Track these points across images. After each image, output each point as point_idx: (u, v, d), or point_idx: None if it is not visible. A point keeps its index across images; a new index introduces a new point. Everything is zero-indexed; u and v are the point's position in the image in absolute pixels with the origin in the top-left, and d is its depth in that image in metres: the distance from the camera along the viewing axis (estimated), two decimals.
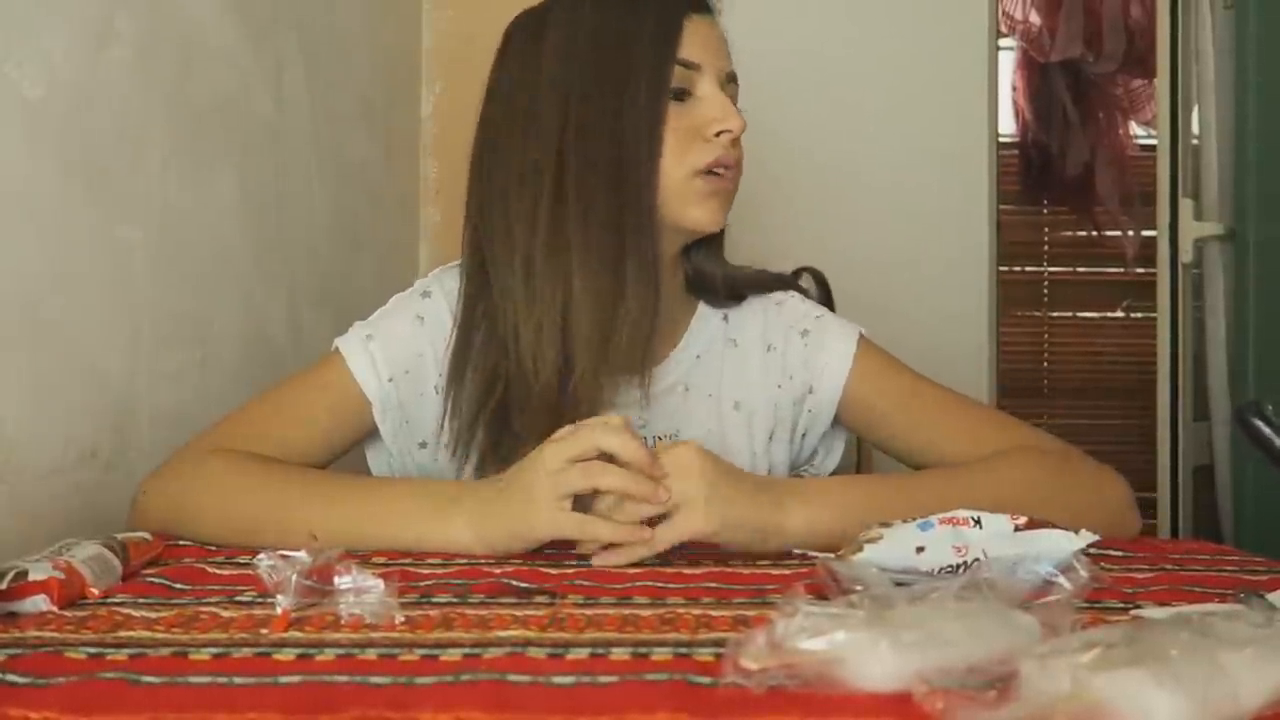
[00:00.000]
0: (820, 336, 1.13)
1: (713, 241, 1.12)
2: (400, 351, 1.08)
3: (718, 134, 1.03)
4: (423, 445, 1.10)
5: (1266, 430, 0.88)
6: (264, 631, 0.70)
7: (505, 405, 1.03)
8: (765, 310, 1.16)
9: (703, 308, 1.15)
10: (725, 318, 1.15)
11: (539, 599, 0.78)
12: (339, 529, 0.92)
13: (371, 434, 1.10)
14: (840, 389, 1.11)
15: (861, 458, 2.34)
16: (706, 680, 0.59)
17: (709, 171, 1.03)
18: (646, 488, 0.87)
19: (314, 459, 1.06)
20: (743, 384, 1.13)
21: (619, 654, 0.65)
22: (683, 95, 1.03)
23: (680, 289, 1.12)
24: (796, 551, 0.91)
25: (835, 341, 1.13)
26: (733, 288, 1.14)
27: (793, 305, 1.16)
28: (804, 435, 1.15)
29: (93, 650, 0.66)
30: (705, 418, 1.11)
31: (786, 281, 1.19)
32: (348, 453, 1.11)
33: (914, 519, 0.82)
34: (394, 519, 0.94)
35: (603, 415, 0.93)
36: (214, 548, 0.95)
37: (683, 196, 1.03)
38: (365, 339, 1.08)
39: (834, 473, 1.18)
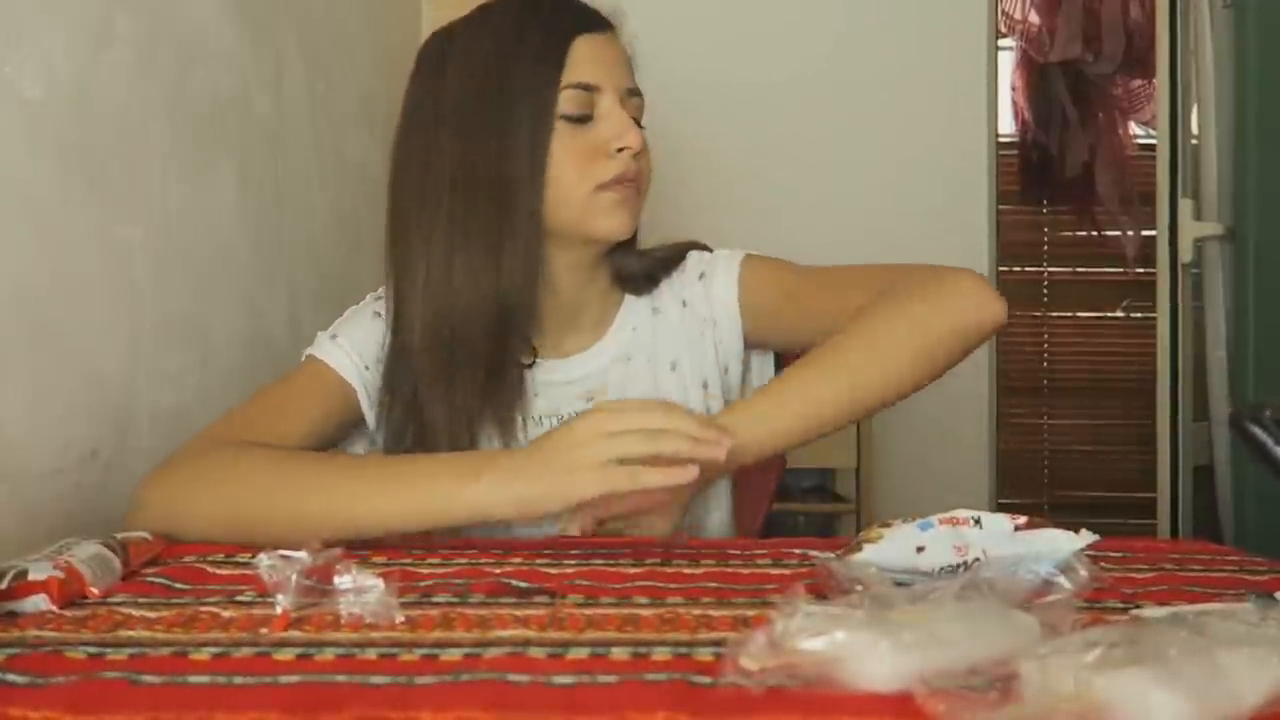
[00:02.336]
0: (712, 271, 1.18)
1: (630, 241, 1.16)
2: (367, 342, 1.13)
3: (619, 150, 1.07)
4: None
5: (1264, 436, 0.86)
6: (264, 631, 0.70)
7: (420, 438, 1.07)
8: (674, 276, 1.20)
9: (629, 297, 1.19)
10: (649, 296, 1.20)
11: (539, 599, 0.78)
12: (361, 508, 0.92)
13: (354, 429, 1.13)
14: (735, 305, 1.16)
15: (861, 455, 2.34)
16: (706, 680, 0.59)
17: (613, 183, 1.07)
18: (705, 445, 0.89)
19: (310, 450, 1.08)
20: (673, 346, 1.17)
21: (619, 654, 0.65)
22: (585, 119, 1.07)
23: (607, 285, 1.18)
24: (797, 552, 0.91)
25: (723, 269, 1.17)
26: (652, 274, 1.18)
27: (693, 260, 1.20)
28: (726, 371, 1.18)
29: (93, 650, 0.66)
30: (646, 383, 1.16)
31: (690, 246, 1.22)
32: (337, 444, 1.14)
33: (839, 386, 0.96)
34: (419, 486, 0.92)
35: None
36: (219, 543, 0.95)
37: (590, 210, 1.07)
38: (331, 338, 1.14)
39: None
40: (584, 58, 1.07)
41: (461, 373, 1.07)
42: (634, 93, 1.11)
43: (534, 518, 0.91)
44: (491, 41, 1.09)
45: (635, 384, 1.15)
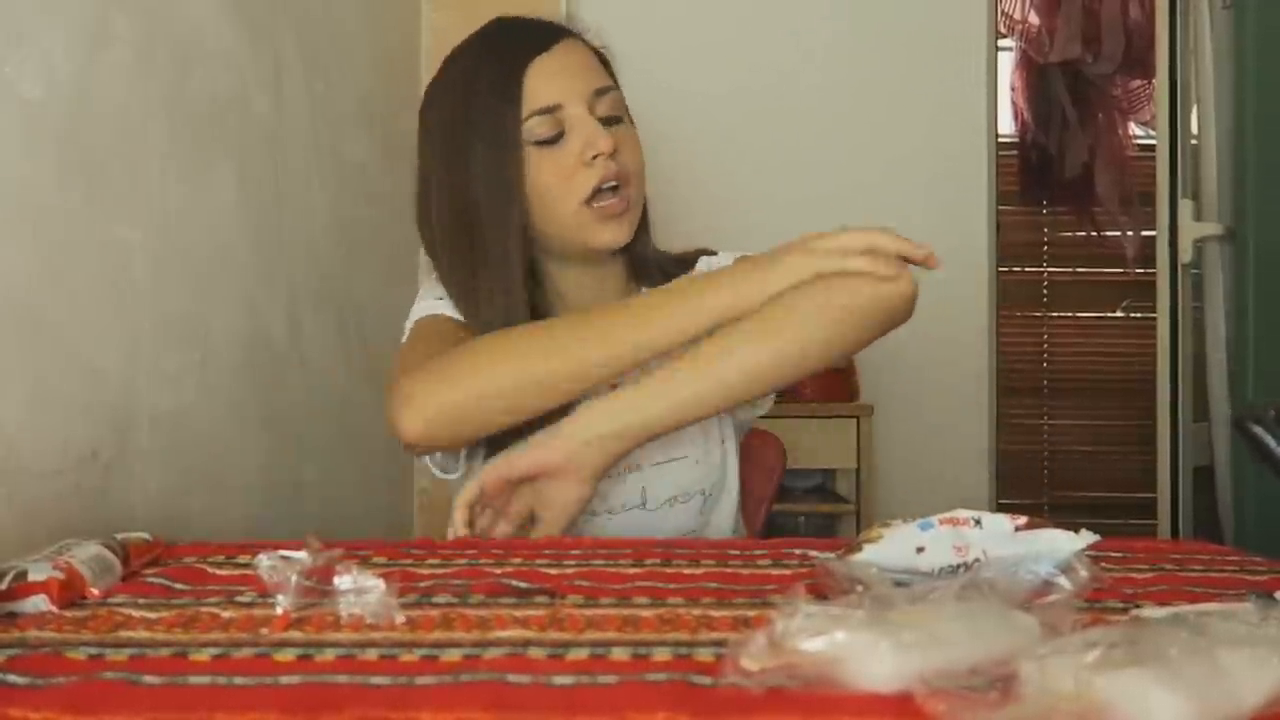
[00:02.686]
0: (711, 268, 1.21)
1: (642, 234, 1.19)
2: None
3: (593, 158, 1.10)
4: None
5: (1266, 437, 0.85)
6: (264, 632, 0.70)
7: None
8: (690, 269, 1.23)
9: (644, 290, 1.21)
10: None
11: (539, 599, 0.78)
12: (642, 335, 1.00)
13: None
14: None
15: (861, 455, 2.34)
16: (706, 681, 0.59)
17: (599, 191, 1.11)
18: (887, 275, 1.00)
19: None
20: None
21: (619, 654, 0.65)
22: (557, 138, 1.11)
23: (621, 285, 1.22)
24: (797, 552, 0.91)
25: (720, 264, 1.21)
26: (665, 270, 1.21)
27: (702, 263, 1.24)
28: None
29: (93, 651, 0.66)
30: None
31: (702, 252, 1.27)
32: None
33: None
34: (676, 300, 1.02)
35: None
36: (516, 413, 1.01)
37: (582, 227, 1.12)
38: (436, 299, 1.17)
39: None
40: (540, 78, 1.10)
41: None
42: (602, 91, 1.13)
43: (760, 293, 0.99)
44: (456, 88, 1.14)
45: (649, 371, 1.16)
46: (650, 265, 1.21)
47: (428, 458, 1.16)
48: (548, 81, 1.10)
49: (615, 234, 1.13)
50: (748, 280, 1.01)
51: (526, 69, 1.10)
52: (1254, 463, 0.87)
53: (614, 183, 1.11)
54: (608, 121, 1.12)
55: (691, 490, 1.17)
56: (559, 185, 1.10)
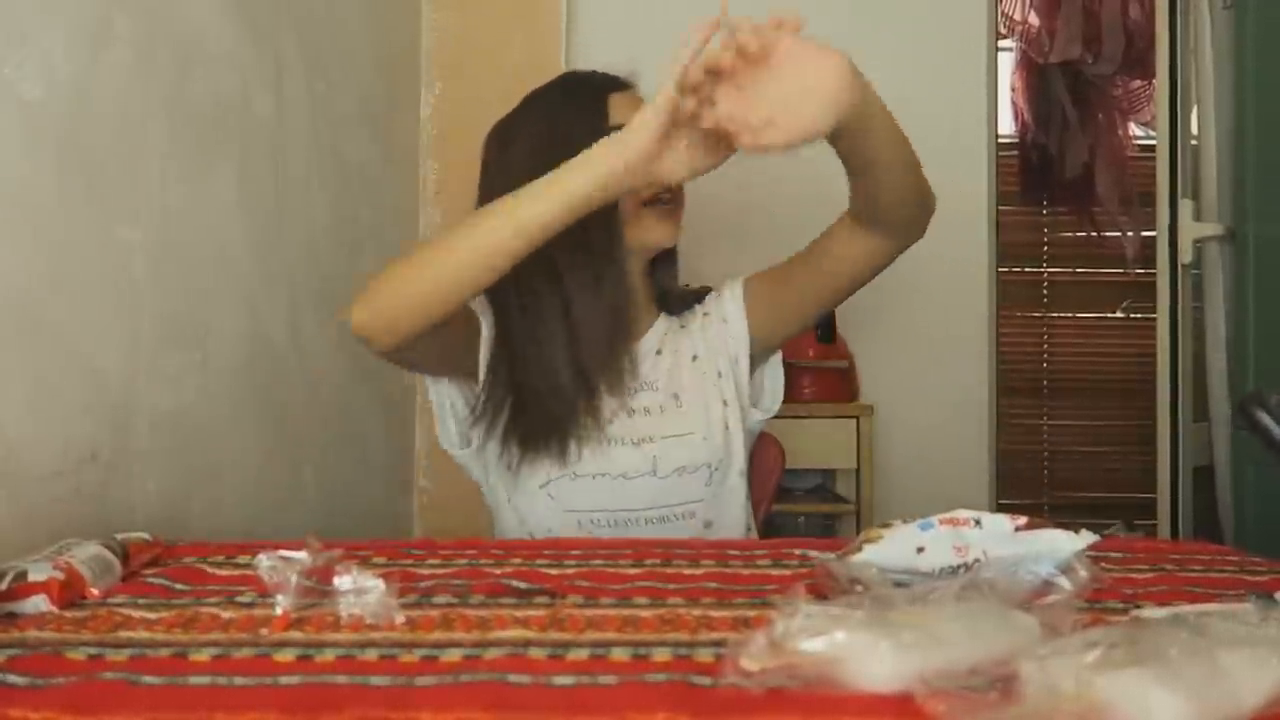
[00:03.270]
0: (720, 289, 1.43)
1: (671, 263, 1.41)
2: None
3: None
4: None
5: (1270, 423, 0.85)
6: (264, 632, 0.70)
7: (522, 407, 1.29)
8: (700, 302, 1.45)
9: (662, 314, 1.42)
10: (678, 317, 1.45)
11: (539, 599, 0.78)
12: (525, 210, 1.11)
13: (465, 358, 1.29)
14: (741, 302, 1.39)
15: (861, 455, 2.35)
16: (706, 681, 0.59)
17: (654, 200, 1.30)
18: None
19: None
20: (695, 345, 1.40)
21: (619, 654, 0.65)
22: None
23: (645, 302, 1.40)
24: (797, 552, 0.91)
25: (729, 284, 1.42)
26: (685, 299, 1.43)
27: (712, 293, 1.44)
28: (736, 362, 1.39)
29: (93, 651, 0.66)
30: (673, 368, 1.37)
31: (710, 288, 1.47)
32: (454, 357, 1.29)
33: None
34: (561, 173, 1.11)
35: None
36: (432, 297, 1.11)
37: (640, 225, 1.31)
38: None
39: None
40: (617, 108, 1.31)
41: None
42: None
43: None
44: (540, 118, 1.33)
45: (662, 372, 1.36)
46: (674, 294, 1.40)
47: (438, 433, 1.32)
48: (622, 110, 1.30)
49: (669, 233, 1.33)
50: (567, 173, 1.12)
51: (608, 99, 1.31)
52: (1262, 449, 0.87)
53: (666, 195, 1.30)
54: None
55: (698, 462, 1.31)
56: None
